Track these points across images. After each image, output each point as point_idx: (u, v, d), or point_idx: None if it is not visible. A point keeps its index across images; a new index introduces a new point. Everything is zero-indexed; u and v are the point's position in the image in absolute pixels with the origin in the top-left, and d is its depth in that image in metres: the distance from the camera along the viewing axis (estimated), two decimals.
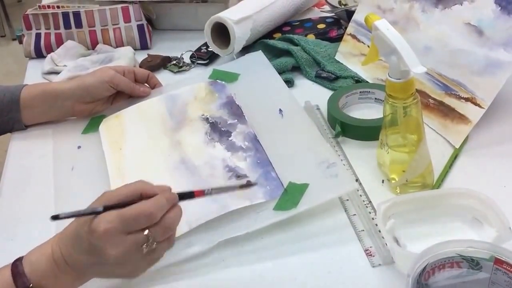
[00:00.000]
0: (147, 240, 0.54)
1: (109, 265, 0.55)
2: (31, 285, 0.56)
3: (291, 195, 0.69)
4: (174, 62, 1.09)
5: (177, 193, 0.58)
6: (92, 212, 0.55)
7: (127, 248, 0.54)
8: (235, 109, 0.85)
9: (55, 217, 0.54)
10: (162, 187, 0.57)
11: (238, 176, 0.73)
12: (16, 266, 0.57)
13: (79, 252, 0.56)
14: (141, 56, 1.11)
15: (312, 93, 0.95)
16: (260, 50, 0.99)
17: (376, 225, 0.67)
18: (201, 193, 0.59)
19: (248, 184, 0.63)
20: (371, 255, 0.65)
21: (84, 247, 0.55)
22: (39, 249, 0.59)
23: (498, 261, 0.54)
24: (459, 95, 0.82)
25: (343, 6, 1.18)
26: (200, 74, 1.01)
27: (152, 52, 1.14)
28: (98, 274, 0.59)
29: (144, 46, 1.17)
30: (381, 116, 0.72)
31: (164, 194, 0.56)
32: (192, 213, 0.69)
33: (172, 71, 1.08)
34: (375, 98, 0.91)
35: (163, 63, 1.09)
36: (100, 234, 0.53)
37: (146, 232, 0.54)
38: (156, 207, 0.55)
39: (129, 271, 0.57)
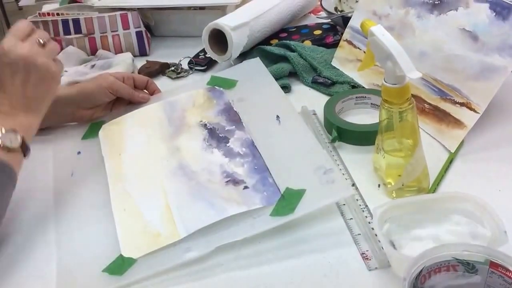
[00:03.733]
0: (37, 38, 0.72)
1: (30, 67, 0.70)
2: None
3: (288, 200, 0.69)
4: (173, 68, 1.10)
5: None
6: None
7: (29, 44, 0.71)
8: (233, 116, 0.85)
9: None
10: None
11: (236, 182, 0.74)
12: None
13: (8, 85, 0.70)
14: (140, 62, 1.12)
15: (308, 99, 0.96)
16: (258, 57, 1.00)
17: (373, 229, 0.68)
18: None
19: None
20: (367, 258, 0.65)
21: (7, 74, 0.70)
22: None
23: (493, 265, 0.54)
24: (454, 100, 0.83)
25: (339, 13, 1.19)
26: (198, 80, 1.02)
27: (151, 58, 1.15)
28: (36, 92, 0.72)
29: (142, 52, 1.18)
30: (377, 121, 0.73)
31: None
32: (189, 218, 0.69)
33: (170, 77, 1.09)
34: (371, 103, 0.91)
35: (162, 69, 1.10)
36: (4, 47, 0.70)
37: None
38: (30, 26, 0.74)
39: (46, 64, 0.72)
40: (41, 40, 0.72)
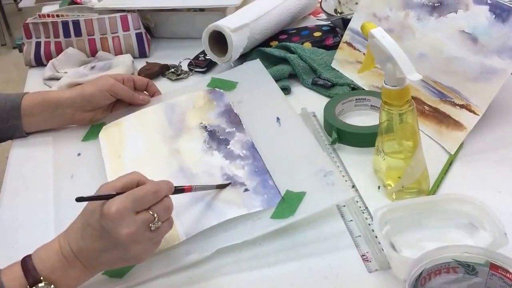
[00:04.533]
0: (153, 219, 0.59)
1: (120, 248, 0.59)
2: (41, 278, 0.58)
3: (288, 203, 0.69)
4: (172, 70, 1.10)
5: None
6: (108, 196, 0.59)
7: (138, 226, 0.58)
8: (233, 118, 0.85)
9: (80, 199, 0.59)
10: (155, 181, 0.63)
11: (236, 185, 0.74)
12: (26, 262, 0.59)
13: (89, 241, 0.59)
14: (140, 64, 1.12)
15: (308, 100, 0.96)
16: (258, 59, 1.00)
17: (373, 230, 0.68)
18: (190, 189, 0.67)
19: (224, 185, 0.73)
20: (367, 260, 0.65)
21: (95, 234, 0.59)
22: (47, 246, 0.61)
23: (493, 266, 0.54)
24: (454, 102, 0.83)
25: (339, 14, 1.19)
26: (198, 82, 1.02)
27: (151, 60, 1.15)
28: (108, 262, 0.61)
29: (142, 54, 1.18)
30: (377, 123, 0.73)
31: (161, 181, 0.63)
32: (189, 221, 0.69)
33: (170, 79, 1.09)
34: (371, 105, 0.91)
35: (162, 71, 1.10)
36: (113, 215, 0.57)
37: (151, 211, 0.59)
38: (159, 186, 0.61)
39: (138, 252, 0.60)
40: (156, 225, 0.60)
